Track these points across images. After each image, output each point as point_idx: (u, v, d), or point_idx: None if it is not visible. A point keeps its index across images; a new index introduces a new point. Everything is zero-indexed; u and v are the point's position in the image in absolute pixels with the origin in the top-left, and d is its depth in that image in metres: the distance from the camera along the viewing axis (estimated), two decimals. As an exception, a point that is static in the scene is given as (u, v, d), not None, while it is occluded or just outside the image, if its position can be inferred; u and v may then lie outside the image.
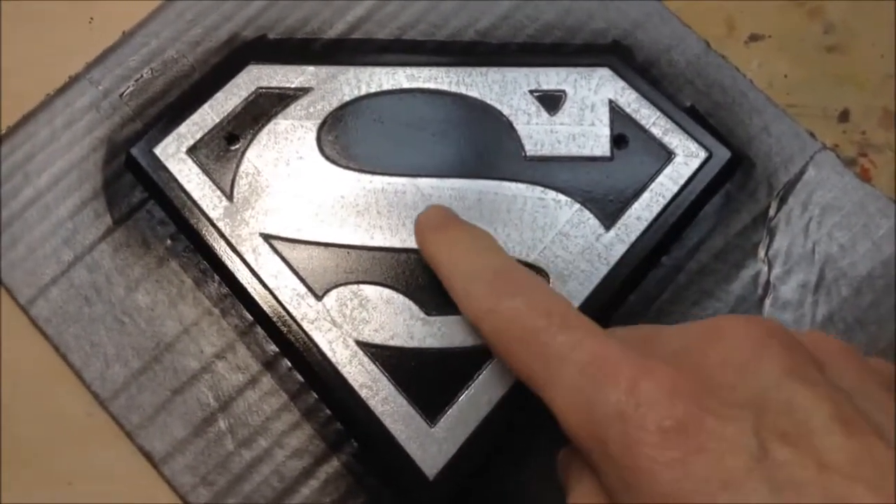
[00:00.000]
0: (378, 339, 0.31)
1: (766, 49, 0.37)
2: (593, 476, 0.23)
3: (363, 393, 0.31)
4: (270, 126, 0.33)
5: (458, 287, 0.28)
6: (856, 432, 0.20)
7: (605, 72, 0.34)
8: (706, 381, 0.22)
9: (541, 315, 0.25)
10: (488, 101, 0.34)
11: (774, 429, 0.20)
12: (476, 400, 0.30)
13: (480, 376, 0.30)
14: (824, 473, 0.19)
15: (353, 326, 0.31)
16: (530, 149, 0.33)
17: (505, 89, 0.34)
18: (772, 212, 0.34)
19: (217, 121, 0.33)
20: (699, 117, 0.35)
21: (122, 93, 0.35)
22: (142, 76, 0.36)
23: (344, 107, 0.34)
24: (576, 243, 0.32)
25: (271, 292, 0.32)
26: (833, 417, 0.20)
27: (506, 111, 0.34)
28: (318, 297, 0.31)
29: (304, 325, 0.31)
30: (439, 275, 0.29)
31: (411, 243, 0.32)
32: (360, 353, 0.31)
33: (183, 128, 0.33)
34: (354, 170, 0.33)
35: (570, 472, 0.25)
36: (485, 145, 0.33)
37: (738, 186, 0.35)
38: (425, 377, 0.31)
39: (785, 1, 0.38)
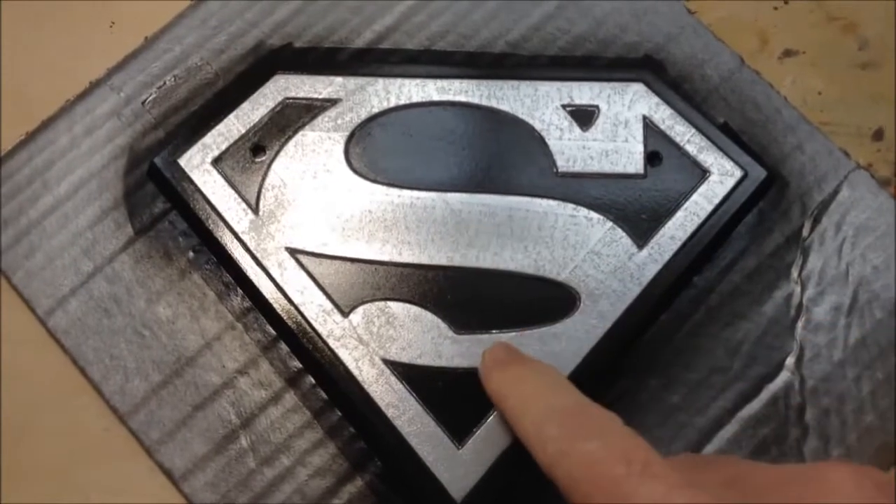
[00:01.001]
0: (405, 357, 0.30)
1: (800, 65, 0.37)
2: None
3: (389, 413, 0.30)
4: (297, 138, 0.33)
5: (528, 428, 0.26)
6: None
7: (639, 87, 0.34)
8: None
9: (620, 461, 0.23)
10: (520, 116, 0.33)
11: None
12: (505, 422, 0.30)
13: (510, 397, 0.30)
14: None
15: (379, 344, 0.30)
16: (562, 165, 0.33)
17: (537, 103, 0.33)
18: (805, 232, 0.34)
19: (243, 131, 0.33)
20: (732, 134, 0.34)
21: (145, 100, 0.35)
22: (164, 83, 0.35)
23: (372, 119, 0.33)
24: (608, 262, 0.31)
25: (296, 308, 0.31)
26: None
27: (537, 126, 0.33)
28: (345, 314, 0.31)
29: (330, 342, 0.31)
30: (506, 413, 0.27)
31: (440, 260, 0.31)
32: (387, 371, 0.30)
33: (208, 138, 0.33)
34: (383, 183, 0.32)
35: None
36: (516, 160, 0.33)
37: (772, 205, 0.34)
38: (453, 397, 0.30)
39: (819, 16, 0.37)
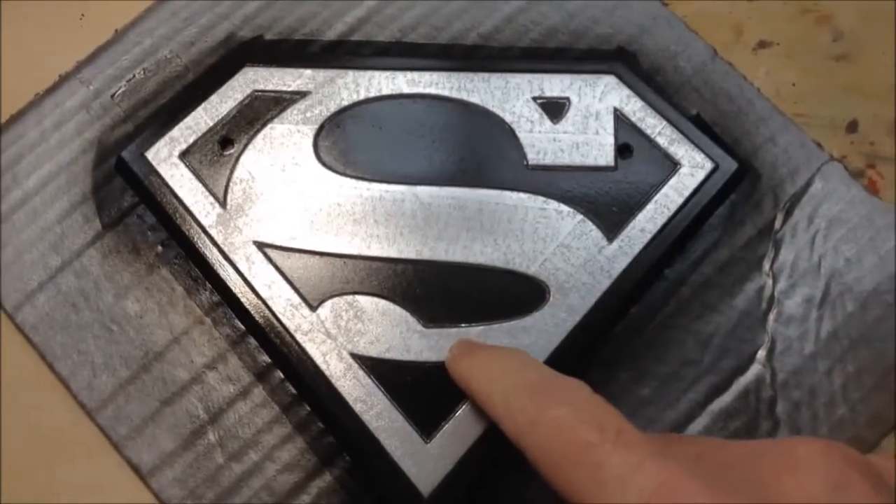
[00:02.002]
0: (373, 351, 0.30)
1: (774, 57, 0.36)
2: None
3: (357, 407, 0.30)
4: (266, 131, 0.32)
5: (497, 402, 0.25)
6: None
7: (610, 79, 0.33)
8: None
9: (592, 427, 0.22)
10: (490, 108, 0.33)
11: None
12: (473, 415, 0.29)
13: (478, 391, 0.30)
14: None
15: (347, 338, 0.30)
16: (532, 157, 0.32)
17: (507, 96, 0.33)
18: (777, 224, 0.34)
19: (211, 124, 0.32)
20: (705, 126, 0.34)
21: (114, 93, 0.35)
22: (134, 76, 0.35)
23: (342, 112, 0.33)
24: (578, 255, 0.31)
25: (264, 302, 0.31)
26: None
27: (508, 118, 0.33)
28: (313, 308, 0.31)
29: (298, 336, 0.30)
30: (474, 395, 0.27)
31: (409, 253, 0.31)
32: (355, 366, 0.30)
33: (176, 131, 0.32)
34: (352, 177, 0.32)
35: None
36: (486, 153, 0.33)
37: (744, 197, 0.34)
38: (421, 391, 0.30)
39: (794, 8, 0.37)
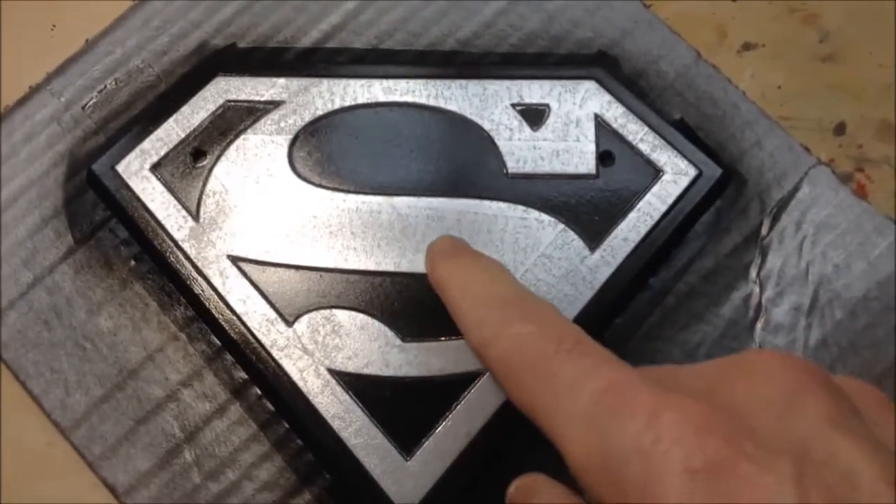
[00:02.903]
0: (351, 367, 0.30)
1: (760, 58, 0.36)
2: None
3: (335, 424, 0.29)
4: (239, 142, 0.32)
5: (467, 312, 0.26)
6: None
7: (590, 85, 0.33)
8: (739, 420, 0.20)
9: (551, 340, 0.23)
10: (468, 116, 0.32)
11: (818, 482, 0.18)
12: (454, 432, 0.29)
13: (459, 407, 0.29)
14: None
15: (325, 354, 0.30)
16: (512, 166, 0.32)
17: (486, 103, 0.32)
18: (764, 230, 0.33)
19: (182, 136, 0.32)
20: (688, 131, 0.33)
21: (85, 105, 0.34)
22: (105, 87, 0.34)
23: (317, 121, 0.32)
24: (559, 266, 0.31)
25: (239, 318, 0.30)
26: (881, 477, 0.18)
27: (486, 126, 0.32)
28: (289, 323, 0.30)
29: (274, 352, 0.30)
30: (447, 301, 0.28)
31: (386, 266, 0.31)
32: (333, 382, 0.29)
33: (147, 143, 0.32)
34: (327, 188, 0.31)
35: None
36: (465, 162, 0.32)
37: (729, 204, 0.33)
38: (401, 408, 0.29)
39: (779, 8, 0.36)
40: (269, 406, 0.31)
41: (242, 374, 0.31)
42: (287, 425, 0.31)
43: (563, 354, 0.22)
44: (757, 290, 0.32)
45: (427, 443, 0.29)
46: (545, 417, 0.22)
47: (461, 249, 0.29)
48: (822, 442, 0.19)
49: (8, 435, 0.31)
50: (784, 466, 0.18)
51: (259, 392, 0.31)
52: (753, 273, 0.33)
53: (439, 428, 0.29)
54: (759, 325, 0.32)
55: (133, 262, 0.32)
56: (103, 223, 0.32)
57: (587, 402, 0.21)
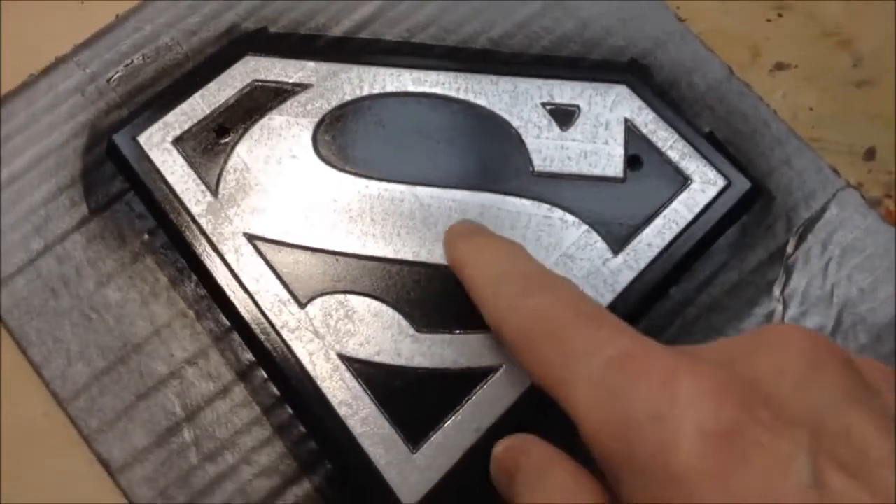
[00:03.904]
0: (362, 353, 0.29)
1: (792, 79, 0.35)
2: (571, 472, 0.21)
3: (342, 411, 0.28)
4: (264, 121, 0.31)
5: (485, 288, 0.26)
6: None
7: (622, 89, 0.32)
8: (756, 388, 0.19)
9: (569, 310, 0.23)
10: (497, 111, 0.32)
11: (833, 455, 0.18)
12: (463, 427, 0.28)
13: (470, 402, 0.28)
14: None
15: (336, 339, 0.29)
16: (539, 164, 0.31)
17: (516, 100, 0.32)
18: (790, 249, 0.32)
19: (207, 112, 0.31)
20: (718, 144, 0.33)
21: (110, 78, 0.34)
22: (132, 62, 0.34)
23: (344, 106, 0.32)
24: (581, 266, 0.30)
25: (251, 296, 0.29)
26: (893, 453, 0.18)
27: (515, 123, 0.32)
28: (302, 305, 0.29)
29: (284, 333, 0.29)
30: (464, 279, 0.27)
31: (405, 254, 0.30)
32: (342, 367, 0.29)
33: (170, 116, 0.31)
34: (350, 173, 0.31)
35: (527, 478, 0.23)
36: (491, 157, 0.31)
37: (756, 220, 0.33)
38: (410, 399, 0.28)
39: (814, 31, 0.36)
40: (274, 390, 0.30)
41: (249, 356, 0.30)
42: (291, 411, 0.30)
43: (580, 323, 0.22)
44: (780, 308, 0.32)
45: (435, 436, 0.28)
46: (560, 386, 0.22)
47: (479, 231, 0.29)
48: (837, 414, 0.19)
49: (4, 403, 0.30)
50: (799, 435, 0.18)
51: (265, 375, 0.30)
52: (777, 291, 0.32)
53: (448, 422, 0.28)
54: (780, 344, 0.31)
55: (146, 236, 0.31)
56: (119, 195, 0.32)
57: (602, 367, 0.20)
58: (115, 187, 0.32)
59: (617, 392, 0.20)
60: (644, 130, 0.32)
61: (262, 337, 0.29)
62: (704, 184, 0.31)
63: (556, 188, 0.31)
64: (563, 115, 0.32)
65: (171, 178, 0.30)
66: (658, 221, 0.31)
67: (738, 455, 0.18)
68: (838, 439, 0.18)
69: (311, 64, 0.32)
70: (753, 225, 0.33)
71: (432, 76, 0.32)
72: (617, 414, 0.20)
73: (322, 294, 0.29)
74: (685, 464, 0.18)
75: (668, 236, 0.30)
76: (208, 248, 0.30)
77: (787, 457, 0.18)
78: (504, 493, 0.25)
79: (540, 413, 0.29)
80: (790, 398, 0.19)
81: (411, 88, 0.32)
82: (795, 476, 0.17)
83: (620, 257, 0.30)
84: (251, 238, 0.30)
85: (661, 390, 0.19)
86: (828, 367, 0.20)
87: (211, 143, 0.31)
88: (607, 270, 0.30)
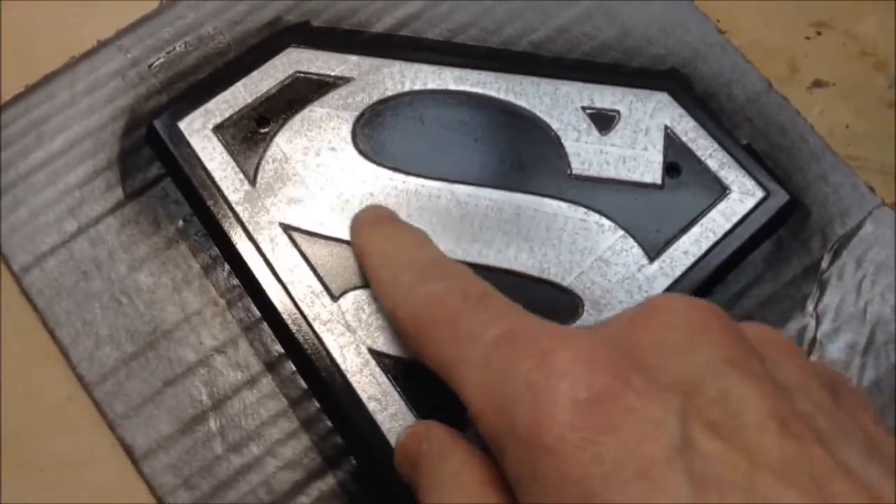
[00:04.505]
0: (394, 349, 0.29)
1: (829, 97, 0.35)
2: (472, 464, 0.21)
3: (371, 406, 0.28)
4: (305, 112, 0.31)
5: (383, 277, 0.26)
6: (794, 434, 0.18)
7: (663, 96, 0.32)
8: (633, 358, 0.19)
9: (457, 296, 0.23)
10: (537, 113, 0.32)
11: (703, 416, 0.18)
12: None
13: (500, 402, 0.28)
14: (754, 473, 0.17)
15: (368, 333, 0.29)
16: (577, 167, 0.31)
17: (556, 102, 0.32)
18: (824, 264, 0.32)
19: (249, 101, 0.31)
20: (756, 156, 0.33)
21: (152, 63, 0.34)
22: (174, 49, 0.34)
23: (384, 101, 0.32)
24: (616, 272, 0.30)
25: (284, 287, 0.29)
26: (771, 415, 0.18)
27: (555, 125, 0.32)
28: (335, 298, 0.29)
29: (316, 325, 0.29)
30: (365, 267, 0.28)
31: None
32: (373, 362, 0.28)
33: (212, 104, 0.31)
34: (388, 167, 0.31)
35: (427, 463, 0.23)
36: (529, 158, 0.31)
37: (791, 234, 0.32)
38: (440, 398, 0.28)
39: (851, 50, 0.36)
40: (302, 383, 0.30)
41: (278, 348, 0.30)
42: (318, 405, 0.29)
43: (468, 307, 0.22)
44: (813, 323, 0.31)
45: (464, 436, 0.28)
46: (450, 368, 0.22)
47: (385, 218, 0.29)
48: (715, 380, 0.19)
49: (28, 384, 0.30)
50: (671, 399, 0.18)
51: (293, 368, 0.30)
52: (810, 306, 0.32)
53: (478, 422, 0.28)
54: (813, 359, 0.31)
55: (181, 223, 0.31)
56: (156, 181, 0.32)
57: (486, 347, 0.21)
58: (151, 172, 0.32)
59: (500, 369, 0.20)
60: (684, 138, 0.32)
61: (293, 328, 0.29)
62: (743, 194, 0.31)
63: (594, 192, 0.31)
64: (603, 120, 0.32)
65: (209, 165, 0.30)
66: (695, 230, 0.30)
67: (608, 422, 0.18)
68: (712, 402, 0.18)
69: (353, 58, 0.32)
70: (789, 239, 0.32)
71: (473, 75, 0.32)
72: (499, 390, 0.20)
73: (355, 288, 0.29)
74: (558, 434, 0.18)
75: (705, 245, 0.30)
76: (244, 237, 0.30)
77: (657, 419, 0.18)
78: (408, 479, 0.25)
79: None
80: (668, 365, 0.19)
81: (452, 86, 0.32)
82: (664, 438, 0.17)
83: (656, 264, 0.30)
84: (287, 228, 0.30)
85: (538, 365, 0.19)
86: (709, 333, 0.20)
87: (251, 132, 0.31)
88: (642, 277, 0.30)
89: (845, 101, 0.36)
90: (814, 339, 0.31)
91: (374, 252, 0.28)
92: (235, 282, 0.31)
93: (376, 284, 0.27)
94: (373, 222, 0.29)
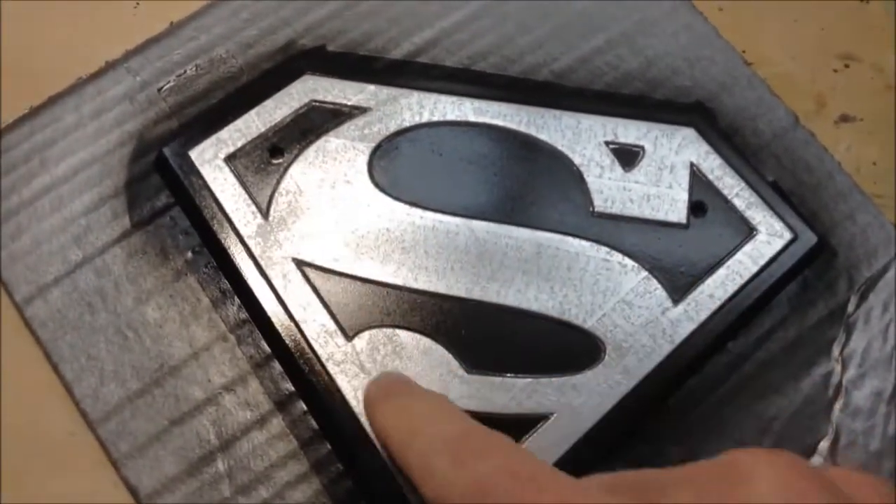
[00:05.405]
0: (409, 392, 0.28)
1: (857, 132, 0.35)
2: None
3: (384, 452, 0.27)
4: (320, 143, 0.30)
5: (413, 461, 0.24)
6: None
7: (689, 132, 0.31)
8: None
9: (507, 478, 0.21)
10: (559, 147, 0.31)
11: None
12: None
13: (519, 450, 0.27)
14: None
15: (383, 375, 0.28)
16: (599, 204, 0.30)
17: (579, 137, 0.31)
18: (850, 307, 0.31)
19: (262, 130, 0.30)
20: (783, 195, 0.32)
21: (161, 87, 0.33)
22: (185, 72, 0.33)
23: (402, 132, 0.31)
24: (639, 314, 0.29)
25: (297, 325, 0.28)
26: None
27: (577, 160, 0.31)
28: (349, 338, 0.28)
29: (329, 366, 0.28)
30: (392, 454, 0.26)
31: (458, 290, 0.29)
32: (388, 406, 0.27)
33: (224, 133, 0.30)
34: (405, 202, 0.30)
35: None
36: (550, 194, 0.30)
37: (817, 275, 0.32)
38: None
39: (879, 84, 0.35)
40: (313, 424, 0.29)
41: (289, 386, 0.29)
42: (329, 446, 0.28)
43: (523, 490, 0.21)
44: (839, 368, 0.31)
45: (481, 484, 0.27)
46: None
47: (395, 388, 0.27)
48: None
49: (29, 419, 0.29)
50: None
51: (304, 407, 0.29)
52: (836, 351, 0.31)
53: (495, 470, 0.27)
54: (837, 407, 0.30)
55: (190, 254, 0.30)
56: (164, 210, 0.31)
57: None
58: (160, 201, 0.31)
59: None
60: (710, 176, 0.31)
61: (305, 368, 0.28)
62: (770, 235, 0.30)
63: (617, 231, 0.30)
64: (627, 156, 0.31)
65: (221, 197, 0.29)
66: (721, 272, 0.30)
67: None
68: None
69: (370, 87, 0.31)
70: (814, 280, 0.31)
71: (494, 107, 0.31)
72: None
73: (370, 327, 0.28)
74: None
75: (732, 288, 0.29)
76: (255, 272, 0.29)
77: None
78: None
79: (587, 467, 0.28)
80: None
81: (472, 118, 0.31)
82: None
83: (681, 307, 0.29)
84: (300, 264, 0.29)
85: None
86: (806, 496, 0.19)
87: (264, 162, 0.30)
88: (666, 320, 0.29)
89: (872, 136, 0.35)
90: (839, 386, 0.30)
91: (395, 432, 0.25)
92: (246, 316, 0.30)
93: (408, 470, 0.24)
94: (385, 396, 0.27)
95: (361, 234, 0.29)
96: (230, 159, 0.30)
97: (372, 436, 0.27)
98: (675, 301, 0.29)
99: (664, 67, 0.34)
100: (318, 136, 0.30)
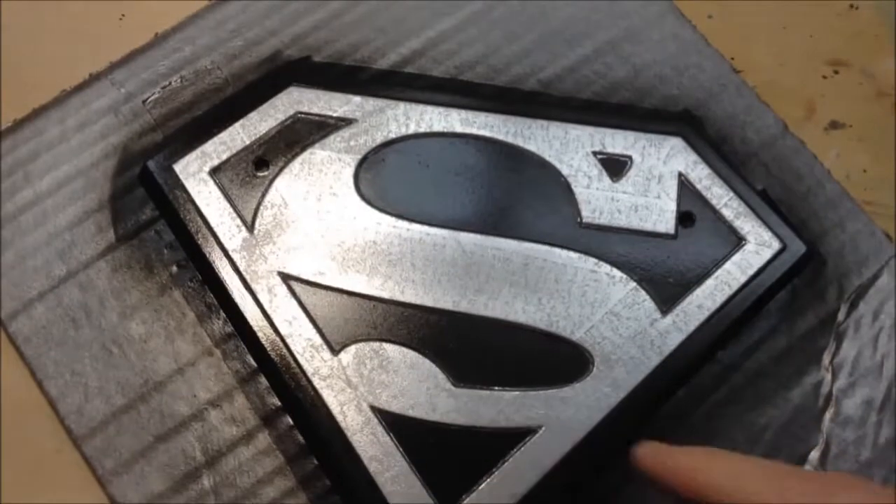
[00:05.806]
0: (396, 406, 0.27)
1: (846, 139, 0.34)
2: None
3: (372, 467, 0.27)
4: (305, 155, 0.30)
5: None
6: None
7: (676, 142, 0.31)
8: None
9: None
10: (546, 158, 0.31)
11: None
12: (498, 491, 0.27)
13: (506, 464, 0.27)
14: None
15: (369, 389, 0.28)
16: (587, 215, 0.30)
17: (566, 147, 0.31)
18: (840, 316, 0.31)
19: (247, 142, 0.30)
20: (771, 203, 0.32)
21: (146, 99, 0.32)
22: (170, 84, 0.33)
23: (388, 144, 0.31)
24: (627, 326, 0.29)
25: (282, 339, 0.28)
26: None
27: (564, 171, 0.31)
28: (335, 352, 0.28)
29: (315, 380, 0.28)
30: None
31: (445, 303, 0.29)
32: (374, 420, 0.27)
33: (209, 146, 0.30)
34: (391, 214, 0.30)
35: None
36: (538, 205, 0.30)
37: (807, 284, 0.31)
38: (445, 457, 0.27)
39: (869, 90, 0.35)
40: (300, 439, 0.28)
41: (275, 401, 0.29)
42: (316, 461, 0.28)
43: None
44: (829, 377, 0.30)
45: (468, 499, 0.27)
46: None
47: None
48: None
49: (14, 436, 0.29)
50: None
51: (290, 422, 0.29)
52: (826, 360, 0.31)
53: (483, 485, 0.27)
54: (827, 416, 0.30)
55: (175, 269, 0.30)
56: (149, 224, 0.31)
57: None
58: (144, 215, 0.31)
59: None
60: (698, 186, 0.31)
61: (291, 383, 0.28)
62: (759, 245, 0.30)
63: (605, 242, 0.30)
64: (615, 166, 0.31)
65: (206, 211, 0.29)
66: (709, 282, 0.29)
67: None
68: None
69: (357, 98, 0.31)
70: (804, 289, 0.31)
71: (481, 117, 0.31)
72: None
73: (357, 341, 0.28)
74: None
75: (720, 298, 0.29)
76: (240, 286, 0.28)
77: None
78: None
79: (576, 480, 0.28)
80: None
81: (459, 129, 0.31)
82: None
83: (669, 318, 0.29)
84: (286, 278, 0.29)
85: None
86: None
87: (249, 175, 0.30)
88: (655, 332, 0.29)
89: (863, 143, 0.34)
90: (829, 395, 0.30)
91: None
92: (231, 331, 0.29)
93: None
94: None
95: (347, 247, 0.29)
96: (215, 172, 0.30)
97: (360, 452, 0.27)
98: (664, 312, 0.29)
99: (652, 76, 0.34)
100: (303, 149, 0.30)
